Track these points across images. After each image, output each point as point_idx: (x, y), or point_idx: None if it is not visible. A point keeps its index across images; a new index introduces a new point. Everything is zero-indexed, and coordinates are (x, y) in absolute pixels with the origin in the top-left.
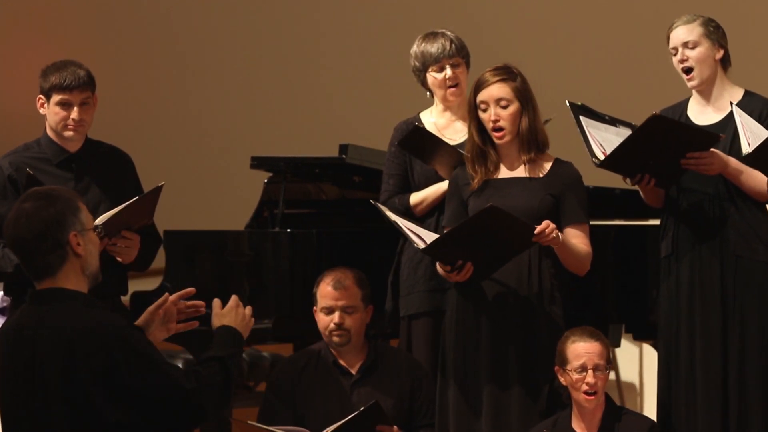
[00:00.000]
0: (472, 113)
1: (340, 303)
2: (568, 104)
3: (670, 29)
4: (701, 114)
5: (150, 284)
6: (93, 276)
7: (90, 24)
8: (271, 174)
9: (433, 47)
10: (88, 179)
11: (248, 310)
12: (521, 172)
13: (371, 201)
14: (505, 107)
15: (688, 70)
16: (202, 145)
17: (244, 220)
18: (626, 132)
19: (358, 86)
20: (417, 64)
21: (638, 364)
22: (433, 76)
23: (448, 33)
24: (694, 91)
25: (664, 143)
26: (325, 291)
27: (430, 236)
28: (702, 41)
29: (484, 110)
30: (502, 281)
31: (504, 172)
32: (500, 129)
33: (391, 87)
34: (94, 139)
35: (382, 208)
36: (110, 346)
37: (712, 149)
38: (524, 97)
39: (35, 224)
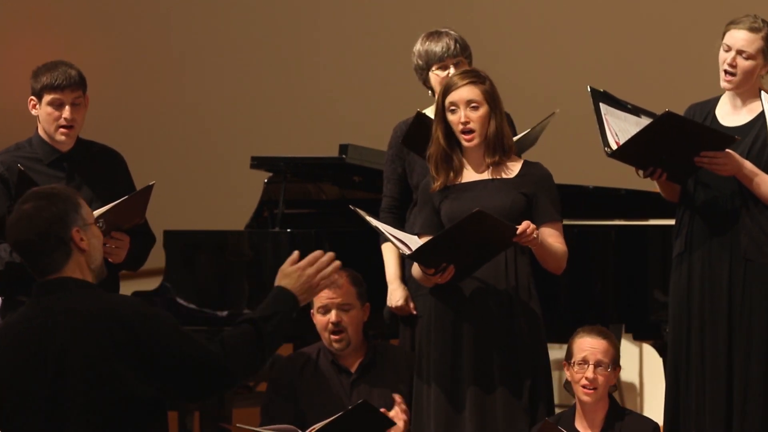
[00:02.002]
0: (439, 116)
1: (336, 301)
2: (589, 90)
3: (732, 24)
4: (729, 114)
5: (150, 284)
6: (98, 269)
7: (88, 23)
8: (271, 174)
9: (438, 46)
10: (79, 179)
11: (329, 268)
12: (486, 175)
13: (350, 206)
14: (475, 109)
15: (730, 73)
16: (202, 145)
17: (244, 220)
18: (647, 122)
19: (358, 86)
20: (420, 62)
21: (638, 364)
22: (436, 74)
23: (452, 32)
24: (727, 91)
25: (678, 140)
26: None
27: (415, 242)
28: (758, 56)
29: (453, 112)
30: (479, 279)
31: (469, 176)
32: (470, 131)
33: (392, 87)
34: (86, 139)
35: (362, 213)
36: (131, 321)
37: (727, 150)
38: (493, 100)
39: (37, 224)
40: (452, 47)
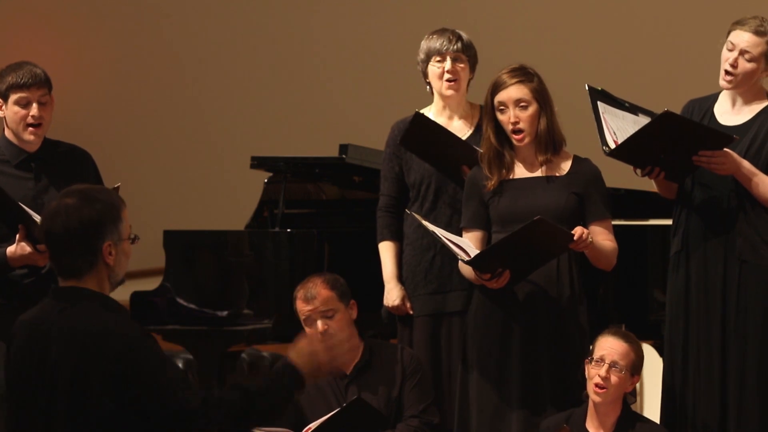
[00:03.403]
0: (489, 114)
1: (317, 311)
2: (587, 88)
3: (738, 24)
4: (727, 113)
5: (150, 284)
6: (117, 283)
7: (88, 23)
8: (271, 174)
9: (440, 40)
10: (47, 179)
11: (335, 349)
12: (539, 172)
13: (406, 210)
14: (524, 109)
15: (731, 73)
16: (202, 145)
17: (244, 220)
18: (645, 120)
19: (358, 86)
20: (422, 55)
21: None
22: (433, 66)
23: (459, 31)
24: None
25: (677, 139)
26: (300, 306)
27: (472, 248)
28: (760, 60)
29: (503, 112)
30: (530, 280)
31: (521, 173)
32: (520, 131)
33: (392, 87)
34: (52, 138)
35: (418, 216)
36: (121, 354)
37: (725, 149)
38: (542, 97)
39: (71, 224)
40: (453, 41)
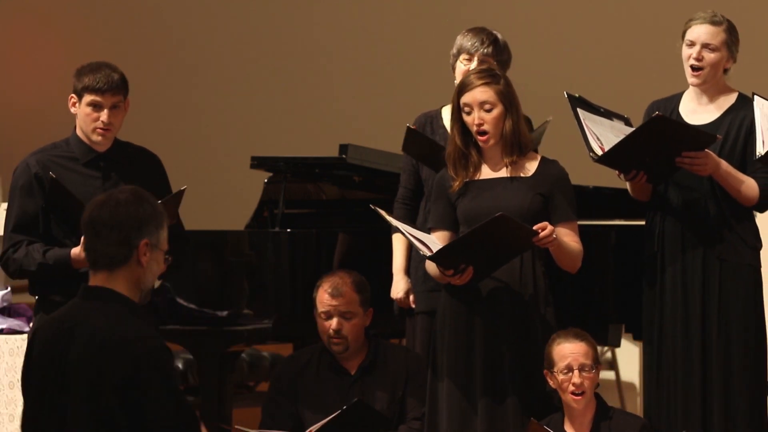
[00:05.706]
0: (455, 115)
1: (339, 309)
2: (566, 95)
3: (693, 21)
4: (693, 112)
5: None
6: (145, 293)
7: (89, 23)
8: (271, 174)
9: (472, 40)
10: (115, 179)
11: None
12: (504, 173)
13: (371, 206)
14: (489, 111)
15: (698, 68)
16: (202, 145)
17: (244, 220)
18: (620, 125)
19: (358, 86)
20: (454, 49)
21: (638, 364)
22: (461, 63)
23: (496, 33)
24: (691, 88)
25: (663, 142)
26: (323, 297)
27: (436, 243)
28: (722, 48)
29: (468, 113)
30: (494, 277)
31: (486, 173)
32: (484, 133)
33: (392, 86)
34: (122, 140)
35: (383, 213)
36: (139, 364)
37: (706, 150)
38: (508, 100)
39: (117, 213)
40: (485, 44)
